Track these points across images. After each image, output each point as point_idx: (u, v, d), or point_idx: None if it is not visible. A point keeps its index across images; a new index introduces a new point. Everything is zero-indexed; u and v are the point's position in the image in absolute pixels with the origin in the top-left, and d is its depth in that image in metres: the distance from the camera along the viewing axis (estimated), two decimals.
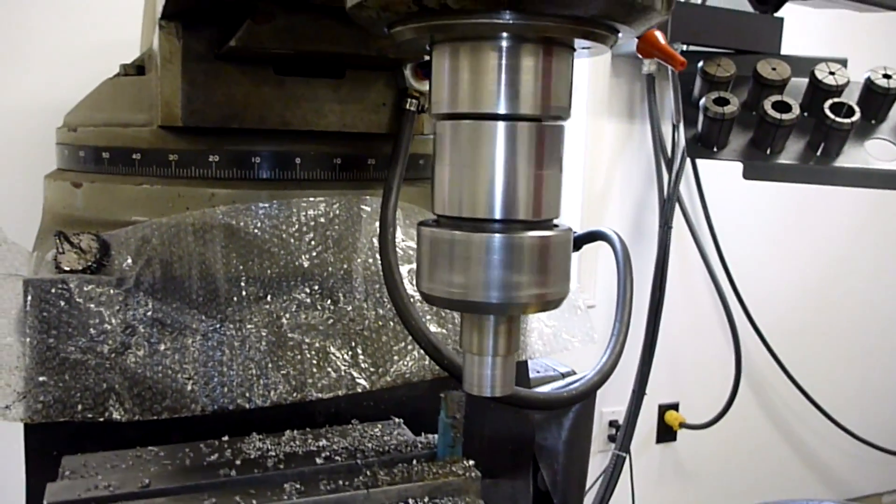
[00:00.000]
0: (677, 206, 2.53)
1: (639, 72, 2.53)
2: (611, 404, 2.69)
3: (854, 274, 3.07)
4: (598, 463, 2.58)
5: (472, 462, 0.79)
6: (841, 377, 3.09)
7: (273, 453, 0.82)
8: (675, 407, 2.86)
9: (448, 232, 0.56)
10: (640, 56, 0.75)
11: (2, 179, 1.70)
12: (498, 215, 0.54)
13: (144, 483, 0.74)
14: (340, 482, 0.74)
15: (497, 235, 0.54)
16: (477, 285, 0.55)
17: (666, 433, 2.87)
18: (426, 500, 0.75)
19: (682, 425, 2.81)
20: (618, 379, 2.43)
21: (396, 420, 0.94)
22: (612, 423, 2.71)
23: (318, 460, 0.79)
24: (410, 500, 0.74)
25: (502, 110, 0.53)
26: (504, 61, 0.52)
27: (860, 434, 2.94)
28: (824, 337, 3.06)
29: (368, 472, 0.76)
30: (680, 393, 2.86)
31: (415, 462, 0.79)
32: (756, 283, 2.78)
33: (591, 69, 2.52)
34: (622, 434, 2.54)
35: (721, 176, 2.68)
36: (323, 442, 0.85)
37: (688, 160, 2.56)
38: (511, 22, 0.50)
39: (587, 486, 1.83)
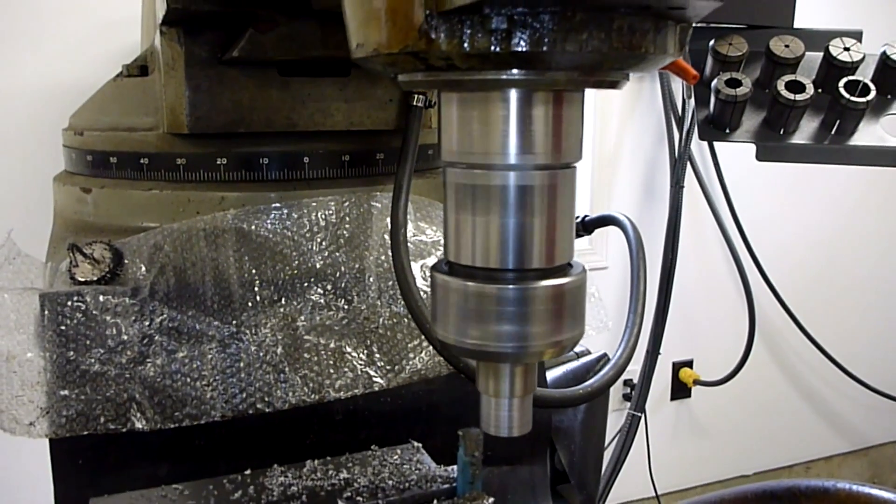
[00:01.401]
0: (689, 165, 2.51)
1: None
2: None
3: (866, 228, 3.05)
4: (613, 422, 2.61)
5: (492, 500, 0.80)
6: (854, 329, 3.09)
7: (295, 488, 0.83)
8: (689, 364, 2.88)
9: (461, 283, 0.55)
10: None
11: (8, 169, 1.70)
12: (511, 265, 0.54)
13: None
14: None
15: (510, 287, 0.54)
16: (490, 336, 0.55)
17: (680, 390, 2.89)
18: None
19: (697, 382, 2.83)
20: None
21: (416, 445, 0.95)
22: (627, 383, 2.73)
23: (340, 502, 0.80)
24: None
25: (513, 161, 0.52)
26: (513, 111, 0.51)
27: (874, 385, 2.95)
28: (837, 290, 3.06)
29: None
30: (694, 350, 2.88)
31: (435, 502, 0.80)
32: (768, 238, 2.77)
33: None
34: (637, 394, 2.57)
35: None
36: (344, 474, 0.86)
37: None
38: (520, 78, 0.49)
39: (601, 468, 1.85)
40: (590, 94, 2.52)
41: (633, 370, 2.67)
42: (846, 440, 3.24)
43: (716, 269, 2.79)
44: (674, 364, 2.86)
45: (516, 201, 0.53)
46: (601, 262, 2.60)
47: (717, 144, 2.62)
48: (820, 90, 1.13)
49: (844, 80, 1.08)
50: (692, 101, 1.20)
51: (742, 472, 3.07)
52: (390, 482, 0.84)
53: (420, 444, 0.95)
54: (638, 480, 2.73)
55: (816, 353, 2.86)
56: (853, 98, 1.06)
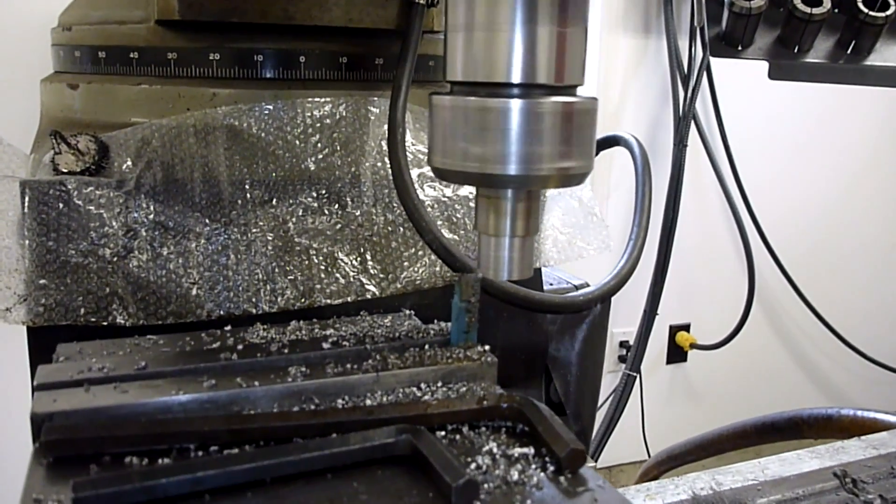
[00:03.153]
0: (693, 124, 2.47)
1: None
2: (622, 325, 2.68)
3: (869, 195, 3.02)
4: (608, 383, 2.59)
5: (487, 347, 0.76)
6: (853, 298, 3.07)
7: (277, 340, 0.79)
8: (686, 328, 2.85)
9: (462, 99, 0.52)
10: None
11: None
12: (517, 79, 0.50)
13: (140, 366, 0.71)
14: (348, 366, 0.71)
15: (516, 101, 0.50)
16: (494, 157, 0.51)
17: (676, 354, 2.87)
18: (439, 384, 0.71)
19: (693, 346, 2.81)
20: (629, 299, 2.42)
21: (407, 312, 0.91)
22: (623, 344, 2.71)
23: (325, 345, 0.76)
24: (422, 385, 0.71)
25: None
26: None
27: (872, 355, 2.93)
28: (838, 258, 3.03)
29: (378, 357, 0.73)
30: (691, 314, 2.85)
31: (427, 347, 0.76)
32: (771, 202, 2.73)
33: None
34: (633, 354, 2.54)
35: (738, 93, 2.60)
36: (330, 331, 0.82)
37: (704, 77, 2.48)
38: None
39: (598, 403, 1.82)
40: (594, 49, 2.47)
41: (630, 332, 2.65)
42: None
43: (716, 231, 2.76)
44: (671, 327, 2.83)
45: (523, 7, 0.49)
46: (604, 187, 2.55)
47: (722, 105, 2.58)
48: (836, 10, 1.10)
49: None
50: (704, 21, 1.16)
51: None
52: (379, 332, 0.81)
53: (412, 312, 0.91)
54: (631, 444, 2.71)
55: (814, 321, 2.84)
56: (872, 13, 1.02)
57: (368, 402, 0.67)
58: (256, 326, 0.84)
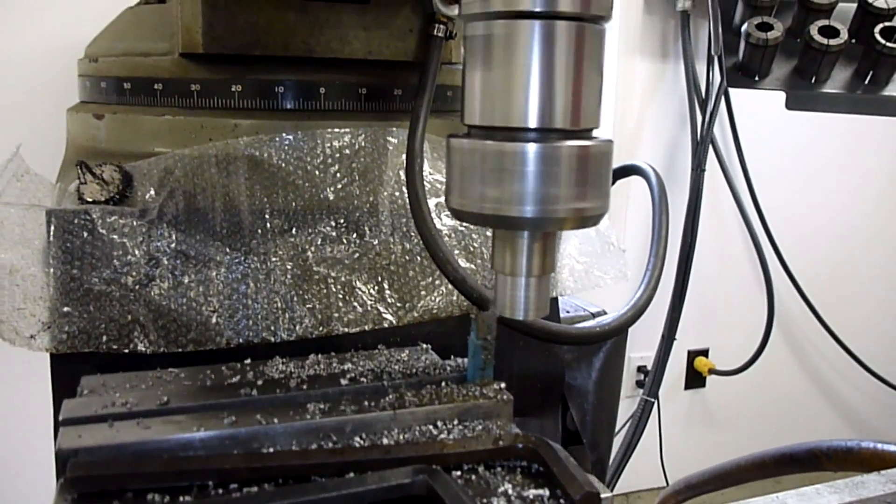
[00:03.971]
0: (710, 149, 2.47)
1: (673, 8, 2.44)
2: (639, 350, 2.67)
3: (888, 219, 2.99)
4: (626, 408, 2.57)
5: (503, 385, 0.77)
6: (873, 323, 3.03)
7: (296, 375, 0.80)
8: (704, 353, 2.83)
9: (479, 143, 0.52)
10: None
11: (27, 117, 1.68)
12: (533, 124, 0.51)
13: (163, 401, 0.73)
14: (366, 403, 0.72)
15: (532, 145, 0.51)
16: (511, 199, 0.52)
17: (695, 379, 2.85)
18: (455, 422, 0.72)
19: (712, 371, 2.78)
20: (647, 324, 2.41)
21: (424, 346, 0.92)
22: (641, 369, 2.69)
23: (343, 381, 0.77)
24: (439, 423, 0.71)
25: (539, 7, 0.49)
26: None
27: (893, 381, 2.89)
28: (857, 283, 3.00)
29: (395, 394, 0.74)
30: (710, 339, 2.83)
31: (443, 384, 0.77)
32: (789, 227, 2.72)
33: (622, 6, 2.44)
34: (651, 379, 2.53)
35: (756, 118, 2.60)
36: (348, 365, 0.83)
37: (723, 101, 2.48)
38: None
39: (615, 430, 1.81)
40: (612, 74, 2.48)
41: (648, 357, 2.63)
42: (862, 436, 3.17)
43: (735, 255, 2.75)
44: (689, 352, 2.81)
45: (541, 54, 0.50)
46: (620, 216, 2.54)
47: (740, 130, 2.57)
48: (854, 40, 1.10)
49: (881, 25, 1.04)
50: (720, 55, 1.16)
51: None
52: (396, 368, 0.81)
53: (429, 346, 0.92)
54: (649, 470, 2.69)
55: (834, 346, 2.81)
56: (889, 44, 1.03)
57: (386, 440, 0.68)
58: (275, 360, 0.85)
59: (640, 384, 2.68)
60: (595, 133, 0.55)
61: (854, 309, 2.95)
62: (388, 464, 0.62)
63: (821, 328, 2.77)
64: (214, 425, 0.68)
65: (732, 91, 2.47)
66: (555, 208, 0.52)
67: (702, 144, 2.44)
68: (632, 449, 2.49)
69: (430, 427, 0.71)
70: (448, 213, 1.03)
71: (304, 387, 0.75)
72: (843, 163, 2.85)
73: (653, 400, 2.51)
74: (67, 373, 0.90)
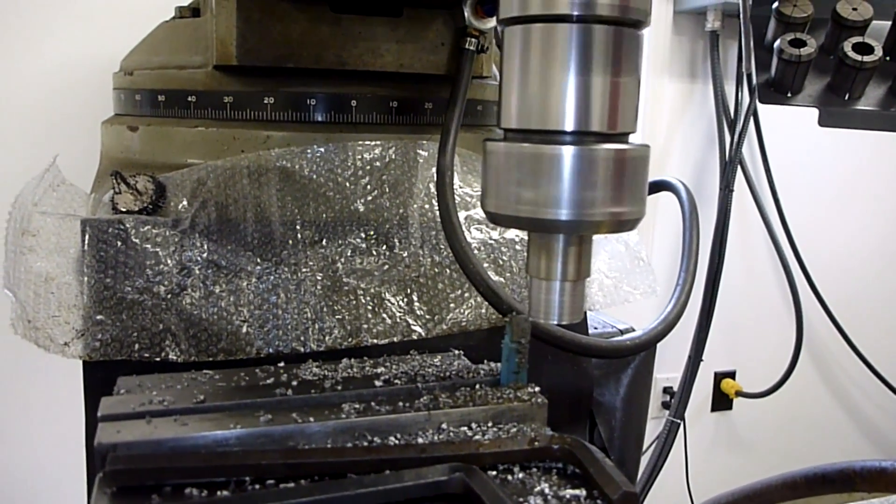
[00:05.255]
0: (739, 169, 2.45)
1: (702, 29, 2.44)
2: (665, 371, 2.65)
3: None
4: (651, 429, 2.54)
5: (537, 388, 0.76)
6: None
7: (331, 377, 0.80)
8: (731, 375, 2.80)
9: (516, 146, 0.52)
10: None
11: (62, 129, 1.71)
12: (570, 127, 0.51)
13: (199, 399, 0.74)
14: (400, 404, 0.72)
15: (569, 147, 0.51)
16: (547, 201, 0.52)
17: (721, 401, 2.81)
18: (489, 424, 0.72)
19: (739, 394, 2.75)
20: (673, 345, 2.39)
21: (456, 352, 0.91)
22: (667, 390, 2.66)
23: (378, 383, 0.77)
24: (473, 424, 0.71)
25: (577, 11, 0.49)
26: None
27: None
28: (887, 304, 2.95)
29: (429, 395, 0.74)
30: (737, 361, 2.80)
31: (477, 387, 0.77)
32: (819, 249, 2.69)
33: (651, 27, 2.43)
34: (677, 401, 2.50)
35: (784, 137, 2.59)
36: (381, 369, 0.83)
37: (752, 122, 2.47)
38: None
39: (643, 448, 1.79)
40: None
41: (674, 377, 2.61)
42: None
43: (763, 276, 2.72)
44: (716, 374, 2.78)
45: (578, 57, 0.50)
46: (648, 232, 2.53)
47: (769, 150, 2.56)
48: (888, 57, 1.09)
49: None
50: (753, 70, 1.16)
51: None
52: (430, 370, 0.81)
53: (461, 352, 0.92)
54: (675, 492, 2.65)
55: (864, 369, 2.76)
56: None
57: (420, 440, 0.68)
58: (309, 363, 0.86)
59: (665, 405, 2.65)
60: (631, 138, 0.55)
61: (883, 331, 2.90)
62: (424, 462, 0.63)
63: (849, 350, 2.73)
64: (250, 423, 0.68)
65: (761, 111, 2.46)
66: (591, 212, 0.52)
67: (730, 164, 2.43)
68: (657, 470, 2.46)
69: (464, 428, 0.71)
70: (477, 226, 1.04)
71: (339, 388, 0.76)
72: (870, 183, 2.82)
73: (679, 421, 2.48)
74: (99, 381, 0.91)
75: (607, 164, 0.52)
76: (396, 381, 0.77)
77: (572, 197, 0.51)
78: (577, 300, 0.58)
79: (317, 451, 0.63)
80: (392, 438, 0.68)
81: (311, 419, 0.69)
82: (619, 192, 0.52)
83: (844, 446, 3.03)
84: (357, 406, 0.71)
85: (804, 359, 2.63)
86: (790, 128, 2.58)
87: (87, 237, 0.90)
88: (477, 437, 0.69)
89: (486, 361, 0.86)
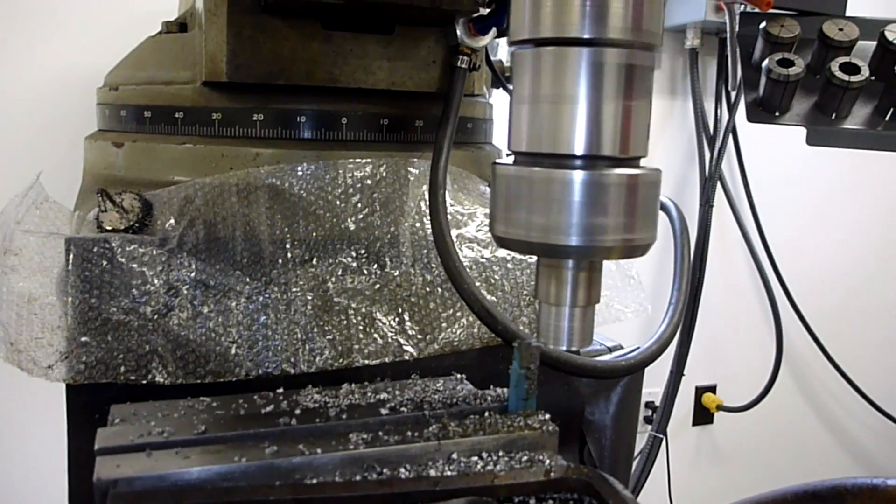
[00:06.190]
0: (719, 185, 2.47)
1: (681, 46, 2.46)
2: (647, 385, 2.63)
3: (895, 256, 2.99)
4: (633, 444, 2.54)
5: (548, 416, 0.75)
6: (883, 360, 3.01)
7: (333, 404, 0.78)
8: (712, 389, 2.81)
9: (526, 169, 0.52)
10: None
11: (43, 145, 1.68)
12: (581, 151, 0.50)
13: (200, 430, 0.71)
14: (408, 433, 0.70)
15: (579, 172, 0.50)
16: (557, 227, 0.51)
17: (703, 416, 2.82)
18: (500, 454, 0.70)
19: (720, 408, 2.75)
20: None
21: (458, 376, 0.90)
22: (649, 405, 2.66)
23: (384, 411, 0.75)
24: (484, 454, 0.70)
25: (589, 35, 0.49)
26: None
27: None
28: (866, 319, 2.98)
29: (438, 424, 0.72)
30: (718, 375, 2.81)
31: (487, 414, 0.75)
32: (798, 264, 2.71)
33: None
34: (659, 416, 2.50)
35: (764, 154, 2.61)
36: (383, 395, 0.82)
37: (731, 138, 2.49)
38: None
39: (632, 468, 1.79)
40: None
41: (656, 392, 2.61)
42: (870, 473, 3.14)
43: (743, 291, 2.74)
44: (697, 388, 2.79)
45: (590, 81, 0.49)
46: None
47: (748, 166, 2.58)
48: (874, 77, 1.10)
49: None
50: (741, 89, 1.16)
51: None
52: (436, 397, 0.80)
53: (463, 376, 0.90)
54: None
55: (842, 383, 2.78)
56: None
57: (433, 472, 0.66)
58: (309, 389, 0.84)
59: (648, 420, 2.64)
60: (643, 162, 0.55)
61: (863, 346, 2.93)
62: (438, 496, 0.61)
63: (829, 365, 2.75)
64: (255, 455, 0.66)
65: (740, 126, 2.49)
66: (602, 238, 0.52)
67: (710, 180, 2.45)
68: (641, 485, 2.45)
69: (476, 458, 0.69)
70: (468, 244, 1.03)
71: (344, 416, 0.74)
72: (849, 199, 2.85)
73: (661, 436, 2.48)
74: (83, 404, 0.89)
75: (619, 189, 0.51)
76: (402, 408, 0.76)
77: (583, 222, 0.51)
78: (587, 326, 0.57)
79: (327, 486, 0.61)
80: (402, 470, 0.66)
81: (318, 450, 0.67)
82: (631, 218, 0.52)
83: (824, 459, 3.05)
84: (364, 436, 0.69)
85: (784, 373, 2.65)
86: (769, 144, 2.61)
87: (71, 256, 0.87)
88: (488, 467, 0.68)
89: (492, 387, 0.85)
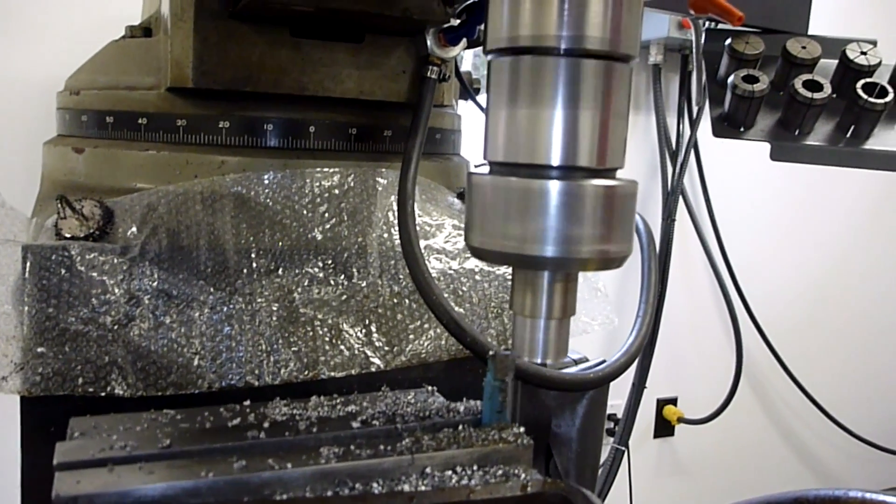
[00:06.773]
0: (681, 199, 2.50)
1: (645, 62, 2.49)
2: (610, 398, 2.65)
3: (855, 271, 3.05)
4: None
5: (522, 429, 0.74)
6: (840, 375, 3.07)
7: (303, 417, 0.76)
8: (673, 402, 2.83)
9: (503, 179, 0.51)
10: (693, 12, 0.71)
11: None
12: (558, 161, 0.50)
13: (165, 444, 0.69)
14: (381, 447, 0.68)
15: (555, 182, 0.50)
16: (533, 237, 0.51)
17: (664, 428, 2.84)
18: (475, 468, 0.69)
19: (681, 420, 2.78)
20: None
21: (429, 388, 0.89)
22: (611, 417, 2.67)
23: (355, 424, 0.73)
24: (458, 468, 0.68)
25: (566, 45, 0.49)
26: None
27: (858, 432, 2.92)
28: (825, 334, 3.04)
29: (411, 438, 0.71)
30: (678, 387, 2.83)
31: (461, 427, 0.74)
32: (758, 278, 2.75)
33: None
34: (621, 428, 2.52)
35: (726, 170, 2.65)
36: (352, 407, 0.80)
37: (692, 152, 2.53)
38: None
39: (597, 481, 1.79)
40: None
41: (618, 404, 2.62)
42: (828, 485, 3.18)
43: (704, 305, 2.77)
44: (658, 401, 2.81)
45: (567, 91, 0.49)
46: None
47: (709, 181, 2.62)
48: (835, 94, 1.12)
49: (862, 81, 1.07)
50: (705, 105, 1.18)
51: None
52: (408, 409, 0.78)
53: (434, 388, 0.89)
54: None
55: (801, 397, 2.83)
56: (871, 99, 1.05)
57: (406, 486, 0.65)
58: (276, 402, 0.82)
59: (609, 432, 2.65)
60: (619, 174, 0.54)
61: (820, 360, 2.98)
62: None
63: (788, 379, 2.79)
64: (223, 470, 0.64)
65: (702, 141, 2.52)
66: (578, 248, 0.51)
67: (672, 195, 2.48)
68: (603, 497, 2.46)
69: (450, 472, 0.68)
70: (436, 255, 1.02)
71: (314, 429, 0.72)
72: (812, 213, 2.90)
73: (623, 448, 2.49)
74: (38, 416, 0.86)
75: (595, 199, 0.51)
76: (374, 421, 0.74)
77: (559, 233, 0.50)
78: (563, 338, 0.57)
79: (297, 501, 0.60)
80: (375, 485, 0.65)
81: (289, 465, 0.65)
82: (607, 229, 0.52)
83: (782, 471, 3.09)
84: (336, 450, 0.67)
85: (743, 386, 2.68)
86: (731, 159, 2.65)
87: (28, 264, 0.85)
88: (464, 481, 0.67)
89: (464, 399, 0.84)
